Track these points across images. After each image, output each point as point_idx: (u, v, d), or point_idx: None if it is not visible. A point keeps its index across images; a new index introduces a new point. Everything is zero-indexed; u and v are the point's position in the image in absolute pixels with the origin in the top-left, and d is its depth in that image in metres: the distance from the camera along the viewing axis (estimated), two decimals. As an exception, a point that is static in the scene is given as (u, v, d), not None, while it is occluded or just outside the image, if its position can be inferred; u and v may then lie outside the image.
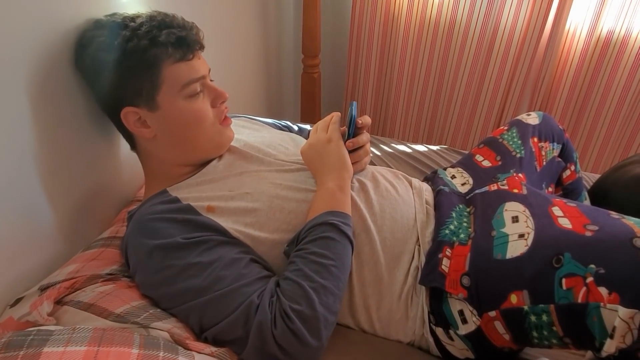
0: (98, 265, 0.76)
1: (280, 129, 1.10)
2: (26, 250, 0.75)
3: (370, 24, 1.89)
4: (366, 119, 0.85)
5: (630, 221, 0.61)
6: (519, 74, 1.80)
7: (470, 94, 1.90)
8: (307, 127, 1.17)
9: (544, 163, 1.03)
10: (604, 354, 0.57)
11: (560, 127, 1.08)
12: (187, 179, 0.80)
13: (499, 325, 0.67)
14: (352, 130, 0.82)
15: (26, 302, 0.70)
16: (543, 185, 1.02)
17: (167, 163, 0.82)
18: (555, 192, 1.10)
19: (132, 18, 0.74)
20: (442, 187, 0.92)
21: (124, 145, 0.89)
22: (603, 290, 0.55)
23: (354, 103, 0.83)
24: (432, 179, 1.02)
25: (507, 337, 0.68)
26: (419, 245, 0.80)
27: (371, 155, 1.33)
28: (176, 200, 0.75)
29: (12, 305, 0.71)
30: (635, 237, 0.57)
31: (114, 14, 0.77)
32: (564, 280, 0.59)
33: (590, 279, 0.57)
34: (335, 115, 0.86)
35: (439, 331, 0.75)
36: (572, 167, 1.10)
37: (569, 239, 0.63)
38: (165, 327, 0.66)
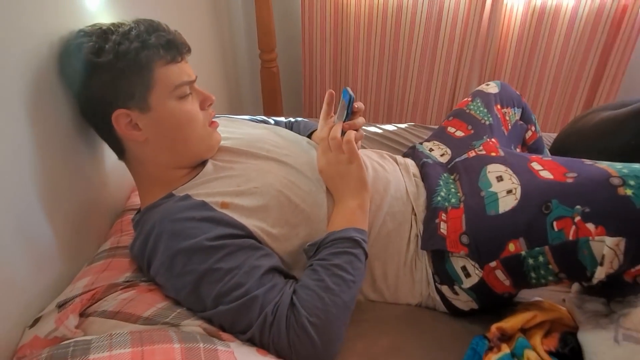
0: (112, 275, 0.77)
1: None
2: (31, 273, 0.74)
3: (321, 13, 1.93)
4: (360, 105, 0.88)
5: (602, 165, 0.70)
6: (467, 50, 1.91)
7: (424, 73, 1.99)
8: (282, 119, 1.20)
9: (510, 127, 1.12)
10: (595, 280, 0.65)
11: (517, 93, 1.18)
12: (190, 181, 0.81)
13: (500, 274, 0.74)
14: (350, 110, 0.85)
15: (46, 320, 0.69)
16: (512, 147, 1.11)
17: (160, 167, 0.83)
18: (522, 151, 1.19)
19: (118, 25, 0.75)
20: (424, 159, 0.99)
21: (108, 157, 0.88)
22: (590, 226, 0.63)
23: (347, 88, 0.86)
24: (412, 154, 1.08)
25: (507, 282, 0.75)
26: (415, 215, 0.86)
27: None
28: (187, 197, 0.76)
29: (31, 326, 0.70)
30: (611, 176, 0.65)
31: (95, 24, 0.77)
32: (555, 223, 0.67)
33: (578, 218, 0.65)
34: (351, 134, 0.84)
35: (445, 289, 0.81)
36: (533, 128, 1.20)
37: (553, 187, 0.71)
38: (196, 322, 0.68)
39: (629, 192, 0.62)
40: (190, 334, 0.63)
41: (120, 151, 0.83)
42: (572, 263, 0.67)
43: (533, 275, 0.72)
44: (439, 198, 0.86)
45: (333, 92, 0.91)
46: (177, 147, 0.81)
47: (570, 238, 0.65)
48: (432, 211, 0.85)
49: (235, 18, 2.01)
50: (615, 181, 0.64)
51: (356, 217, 0.79)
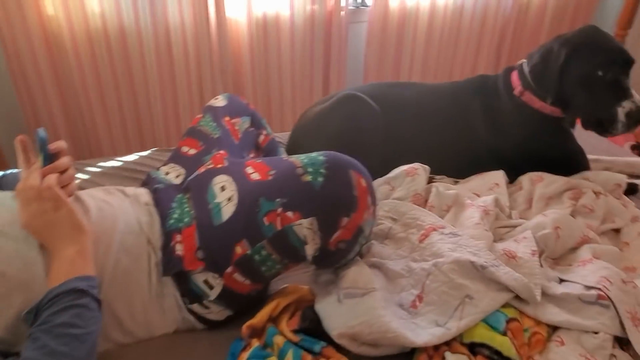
0: None
1: None
2: None
3: (27, 45, 1.71)
4: (59, 143, 0.80)
5: (292, 158, 0.80)
6: (204, 65, 1.95)
7: (167, 93, 1.97)
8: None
9: (240, 135, 1.20)
10: (309, 257, 0.76)
11: (244, 102, 1.26)
12: None
13: (238, 276, 0.79)
14: (46, 153, 0.77)
15: None
16: (244, 154, 1.19)
17: None
18: (257, 156, 1.29)
19: None
20: (156, 185, 0.98)
21: None
22: (290, 214, 0.73)
23: (40, 130, 0.77)
24: (148, 182, 1.06)
25: (247, 282, 0.80)
26: (152, 244, 0.84)
27: (78, 180, 1.26)
28: None
29: None
30: (296, 167, 0.75)
31: None
32: (265, 218, 0.74)
33: (280, 209, 0.73)
34: (51, 178, 0.75)
35: (195, 307, 0.82)
36: (264, 132, 1.30)
37: (259, 187, 0.78)
38: None
39: (309, 178, 0.73)
40: None
41: None
42: (288, 248, 0.75)
43: (264, 268, 0.78)
44: (172, 220, 0.86)
45: (23, 137, 0.80)
46: None
47: (279, 228, 0.73)
48: (167, 235, 0.84)
49: None
50: (299, 171, 0.74)
51: (77, 265, 0.72)
